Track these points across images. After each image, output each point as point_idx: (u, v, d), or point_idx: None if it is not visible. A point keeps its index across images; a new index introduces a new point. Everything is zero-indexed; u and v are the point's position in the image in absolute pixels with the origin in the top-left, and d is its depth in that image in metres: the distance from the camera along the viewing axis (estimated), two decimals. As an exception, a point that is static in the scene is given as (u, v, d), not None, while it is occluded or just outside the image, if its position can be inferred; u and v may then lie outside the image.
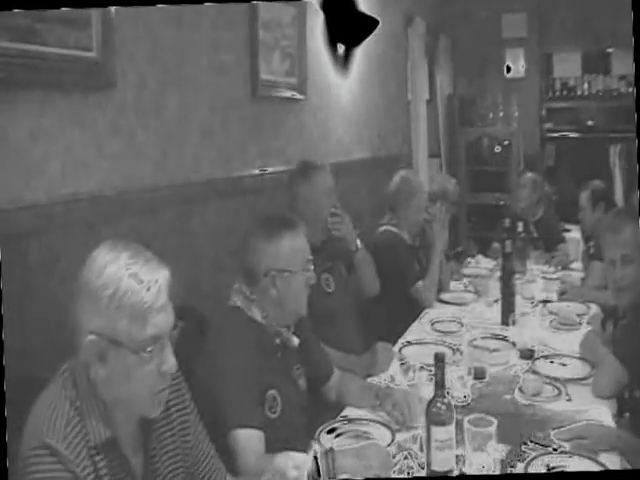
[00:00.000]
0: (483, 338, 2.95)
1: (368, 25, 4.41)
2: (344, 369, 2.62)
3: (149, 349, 1.42)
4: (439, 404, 1.77)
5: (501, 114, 7.07)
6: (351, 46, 4.42)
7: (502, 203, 6.64)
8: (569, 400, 2.40)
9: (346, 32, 4.26)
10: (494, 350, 2.80)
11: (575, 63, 7.57)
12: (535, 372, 2.61)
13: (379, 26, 4.60)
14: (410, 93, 5.88)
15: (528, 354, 2.80)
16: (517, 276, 4.06)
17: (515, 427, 2.18)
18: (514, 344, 2.87)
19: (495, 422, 1.90)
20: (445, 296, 3.81)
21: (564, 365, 2.70)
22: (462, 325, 3.22)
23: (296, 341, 2.19)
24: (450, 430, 1.76)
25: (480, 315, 3.43)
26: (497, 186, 7.06)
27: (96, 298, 1.40)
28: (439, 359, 1.76)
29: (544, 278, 4.09)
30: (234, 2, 3.08)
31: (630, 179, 6.95)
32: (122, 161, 2.38)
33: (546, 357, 2.77)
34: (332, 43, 4.18)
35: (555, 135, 7.52)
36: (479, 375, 2.55)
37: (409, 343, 2.96)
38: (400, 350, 2.87)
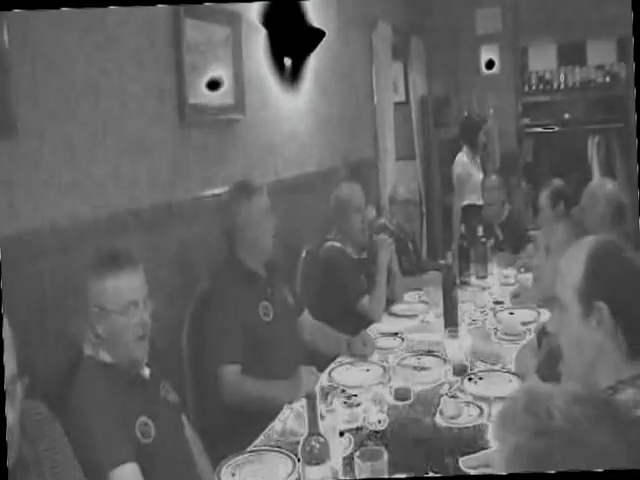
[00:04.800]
0: (415, 356, 2.90)
1: (314, 37, 4.37)
2: (268, 396, 2.60)
3: None
4: (313, 442, 1.73)
5: (476, 112, 6.95)
6: (299, 59, 4.38)
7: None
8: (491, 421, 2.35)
9: (292, 45, 4.23)
10: (423, 368, 2.74)
11: (551, 56, 7.46)
12: (462, 391, 2.55)
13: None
14: (376, 97, 5.83)
15: (461, 370, 2.74)
16: (475, 281, 4.05)
17: (425, 454, 2.14)
18: (446, 360, 2.82)
19: (385, 453, 1.86)
20: (395, 308, 3.70)
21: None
22: (403, 340, 3.16)
23: (147, 372, 2.17)
24: (325, 469, 1.73)
25: (425, 328, 3.37)
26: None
27: None
28: (309, 397, 1.73)
29: (502, 284, 4.02)
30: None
31: (609, 171, 6.85)
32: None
33: (474, 374, 2.69)
34: (277, 57, 4.14)
35: (532, 130, 7.41)
36: (401, 397, 2.49)
37: (340, 364, 2.90)
38: (330, 372, 2.80)
